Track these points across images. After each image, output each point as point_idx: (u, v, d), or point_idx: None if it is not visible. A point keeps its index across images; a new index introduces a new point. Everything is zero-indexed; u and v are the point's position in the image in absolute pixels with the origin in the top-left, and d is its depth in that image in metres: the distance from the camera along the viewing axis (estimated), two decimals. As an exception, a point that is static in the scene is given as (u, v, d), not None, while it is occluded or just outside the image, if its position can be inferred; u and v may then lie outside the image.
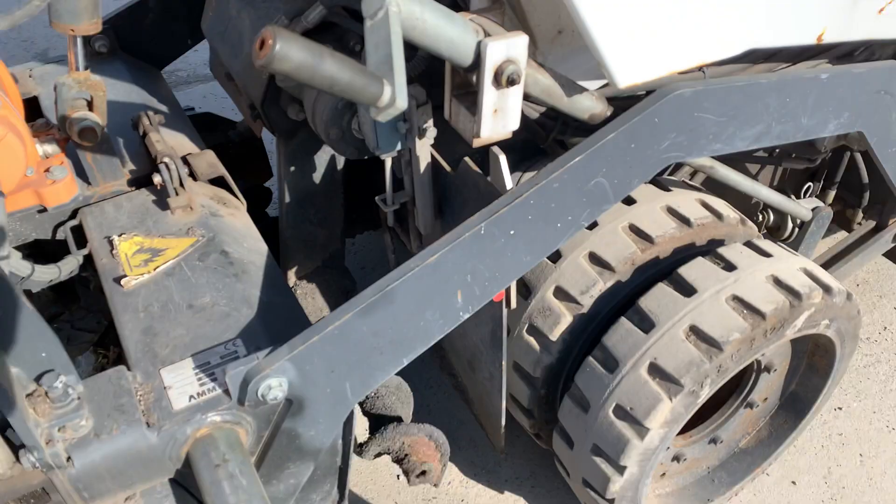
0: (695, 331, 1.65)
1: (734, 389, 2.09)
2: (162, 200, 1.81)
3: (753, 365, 1.99)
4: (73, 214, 1.81)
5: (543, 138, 1.78)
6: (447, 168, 1.69)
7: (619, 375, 1.69)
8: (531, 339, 1.87)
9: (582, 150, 1.43)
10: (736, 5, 1.58)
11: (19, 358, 1.22)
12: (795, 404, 2.14)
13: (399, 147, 1.60)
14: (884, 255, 2.62)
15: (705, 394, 1.67)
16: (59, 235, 1.82)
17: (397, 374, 1.64)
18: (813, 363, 2.05)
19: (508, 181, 1.48)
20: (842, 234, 2.63)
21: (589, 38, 1.44)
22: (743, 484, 2.17)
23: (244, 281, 1.63)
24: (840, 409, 2.47)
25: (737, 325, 1.63)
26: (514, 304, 1.71)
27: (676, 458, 2.06)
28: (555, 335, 1.81)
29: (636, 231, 1.83)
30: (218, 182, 1.91)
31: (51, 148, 1.78)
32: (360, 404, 1.82)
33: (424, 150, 1.62)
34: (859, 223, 2.59)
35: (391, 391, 1.86)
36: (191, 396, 1.39)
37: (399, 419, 1.84)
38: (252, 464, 1.37)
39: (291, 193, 2.13)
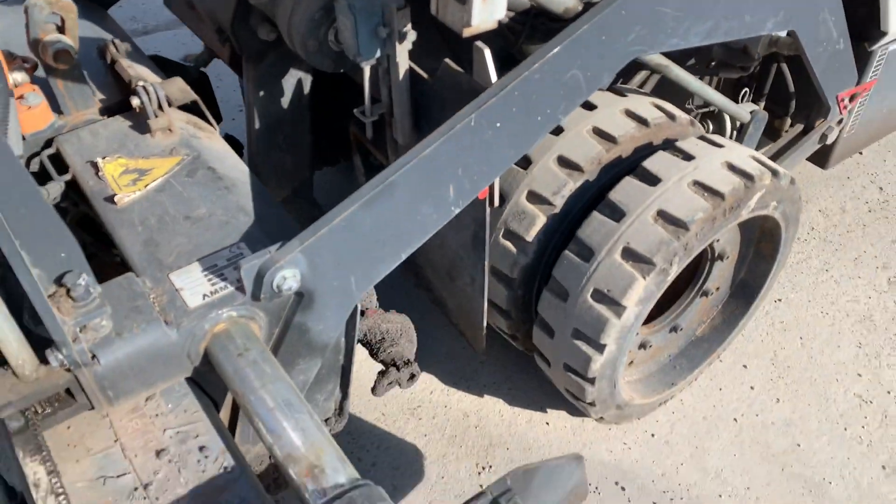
0: (662, 214, 1.79)
1: (690, 280, 2.27)
2: (140, 124, 1.81)
3: (707, 254, 2.17)
4: (49, 143, 1.80)
5: (513, 43, 1.87)
6: (425, 76, 1.76)
7: (594, 263, 1.82)
8: (507, 243, 1.98)
9: (559, 41, 1.53)
10: None
11: (40, 258, 1.25)
12: (745, 291, 2.33)
13: (378, 54, 1.67)
14: (808, 159, 2.85)
15: (674, 272, 1.82)
16: (33, 167, 1.81)
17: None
18: (760, 250, 2.24)
19: (493, 75, 1.57)
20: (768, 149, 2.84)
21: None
22: (701, 369, 2.37)
23: (235, 193, 1.68)
24: (780, 300, 2.70)
25: (700, 205, 1.78)
26: (496, 203, 1.81)
27: (643, 346, 2.23)
28: (530, 236, 1.93)
29: (600, 133, 1.95)
30: (188, 109, 1.93)
31: (20, 76, 1.76)
32: (372, 353, 1.90)
33: (403, 56, 1.68)
34: (786, 131, 2.80)
35: (403, 333, 1.93)
36: (204, 295, 1.44)
37: (409, 362, 1.93)
38: (270, 352, 1.43)
39: (260, 119, 2.16)
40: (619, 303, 1.78)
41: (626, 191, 1.85)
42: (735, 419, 2.34)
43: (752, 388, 2.42)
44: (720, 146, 1.94)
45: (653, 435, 2.29)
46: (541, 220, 1.92)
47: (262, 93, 2.10)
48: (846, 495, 2.15)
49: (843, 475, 2.19)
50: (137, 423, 1.42)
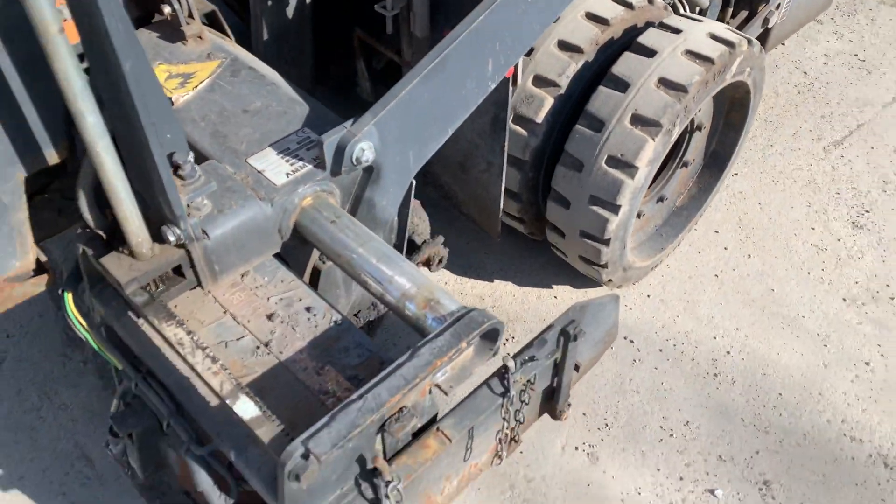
0: (663, 81, 2.00)
1: (671, 155, 2.52)
2: (169, 34, 1.86)
3: (687, 126, 2.41)
4: (82, 57, 1.82)
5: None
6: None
7: (606, 132, 2.02)
8: (518, 128, 2.15)
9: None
10: None
11: (152, 136, 1.32)
12: (717, 160, 2.60)
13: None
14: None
15: (676, 132, 2.04)
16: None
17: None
18: (730, 120, 2.50)
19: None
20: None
21: None
22: (683, 235, 2.63)
23: (282, 87, 1.77)
24: (736, 174, 3.00)
25: (695, 70, 2.00)
26: (520, 80, 1.97)
27: (638, 215, 2.47)
28: (540, 118, 2.11)
29: (593, 17, 2.13)
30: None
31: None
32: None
33: (425, -51, 1.80)
34: (732, 18, 3.06)
35: (421, 218, 2.09)
36: (286, 174, 1.55)
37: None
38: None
39: (267, 30, 2.22)
40: (632, 164, 2.00)
41: (628, 64, 2.04)
42: (716, 275, 2.63)
43: (725, 248, 2.72)
44: (700, 20, 2.17)
45: (648, 296, 2.55)
46: (548, 102, 2.10)
47: (269, 3, 2.17)
48: (817, 325, 2.48)
49: (813, 309, 2.53)
50: (240, 295, 1.53)
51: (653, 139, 1.98)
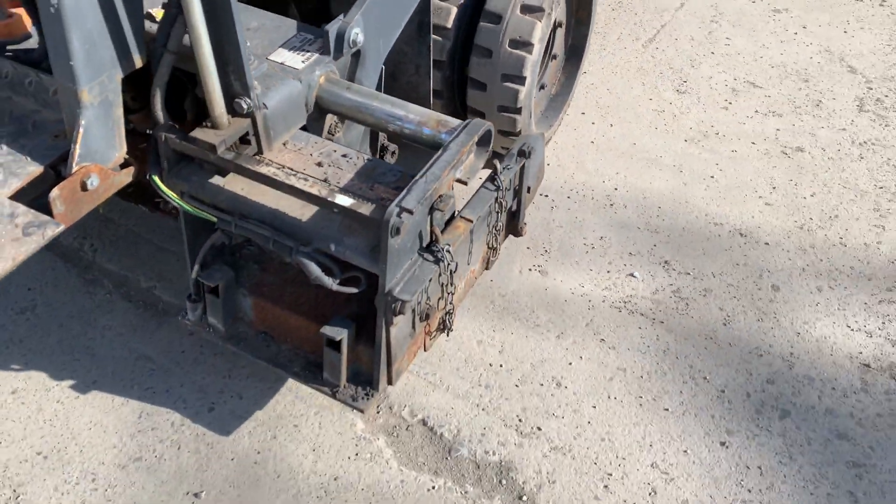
0: (537, -21, 2.67)
1: (545, 50, 3.20)
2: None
3: (553, 23, 3.11)
4: None
5: None
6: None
7: (504, 23, 2.66)
8: (434, 36, 2.73)
9: None
10: None
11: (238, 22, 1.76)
12: (574, 52, 3.33)
13: None
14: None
15: (554, 15, 2.72)
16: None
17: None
18: (579, 17, 3.24)
19: None
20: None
21: None
22: (561, 117, 3.34)
23: (263, 11, 2.24)
24: (586, 72, 3.76)
25: (558, -33, 2.69)
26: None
27: (540, 88, 3.13)
28: (449, 23, 2.71)
29: (472, -58, 2.76)
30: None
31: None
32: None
33: None
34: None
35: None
36: (301, 62, 2.04)
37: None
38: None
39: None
40: (529, 42, 2.65)
41: (508, -28, 2.70)
42: (591, 142, 3.36)
43: (592, 123, 3.46)
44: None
45: (549, 164, 3.23)
46: (454, 10, 2.70)
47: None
48: (671, 160, 3.27)
49: (666, 151, 3.32)
50: (289, 155, 1.99)
51: (539, 21, 2.65)
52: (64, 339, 2.42)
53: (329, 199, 1.77)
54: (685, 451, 2.26)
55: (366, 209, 1.75)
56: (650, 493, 2.17)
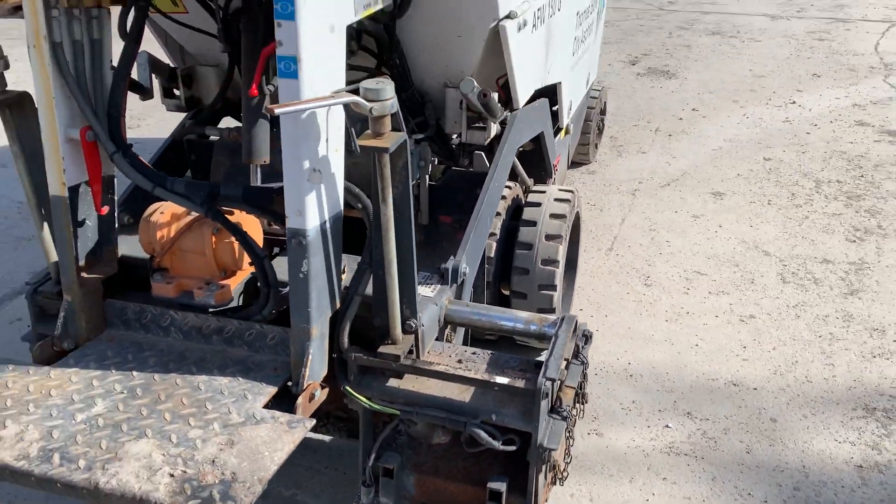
0: (553, 216, 3.63)
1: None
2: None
3: (555, 246, 4.05)
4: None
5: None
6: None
7: (535, 248, 3.56)
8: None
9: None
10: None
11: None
12: (570, 264, 4.27)
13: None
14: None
15: (567, 239, 3.66)
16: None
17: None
18: (573, 238, 4.21)
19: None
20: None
21: None
22: (570, 308, 4.19)
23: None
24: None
25: (565, 209, 3.68)
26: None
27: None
28: (492, 252, 3.59)
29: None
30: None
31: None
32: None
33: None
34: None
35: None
36: (430, 291, 2.81)
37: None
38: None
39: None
40: (556, 260, 3.55)
41: (529, 213, 3.66)
42: (597, 330, 4.20)
43: (591, 315, 4.32)
44: (543, 192, 3.88)
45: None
46: (494, 244, 3.60)
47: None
48: (662, 338, 4.13)
49: (655, 330, 4.19)
50: (436, 357, 2.67)
51: (560, 245, 3.58)
52: None
53: (490, 380, 2.47)
54: (755, 552, 2.88)
55: (520, 383, 2.45)
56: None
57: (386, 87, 2.10)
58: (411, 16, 2.86)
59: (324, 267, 2.39)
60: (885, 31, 11.11)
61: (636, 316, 4.33)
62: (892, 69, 9.12)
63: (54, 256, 2.73)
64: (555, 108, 4.29)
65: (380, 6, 2.59)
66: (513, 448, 2.49)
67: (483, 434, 2.45)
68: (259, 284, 2.59)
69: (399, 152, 2.22)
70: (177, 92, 3.49)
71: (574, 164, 6.10)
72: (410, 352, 2.60)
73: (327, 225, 2.36)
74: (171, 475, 2.02)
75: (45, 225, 2.72)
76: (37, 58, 2.35)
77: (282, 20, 2.07)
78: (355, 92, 2.11)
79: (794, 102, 7.94)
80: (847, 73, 8.97)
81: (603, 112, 6.44)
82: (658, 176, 6.17)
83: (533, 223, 3.61)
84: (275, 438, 2.18)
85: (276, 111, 1.99)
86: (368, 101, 2.09)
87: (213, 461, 2.08)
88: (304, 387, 2.39)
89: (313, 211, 2.28)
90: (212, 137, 3.45)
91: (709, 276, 4.72)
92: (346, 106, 2.22)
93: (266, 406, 2.36)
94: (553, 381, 2.39)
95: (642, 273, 4.76)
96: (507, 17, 2.97)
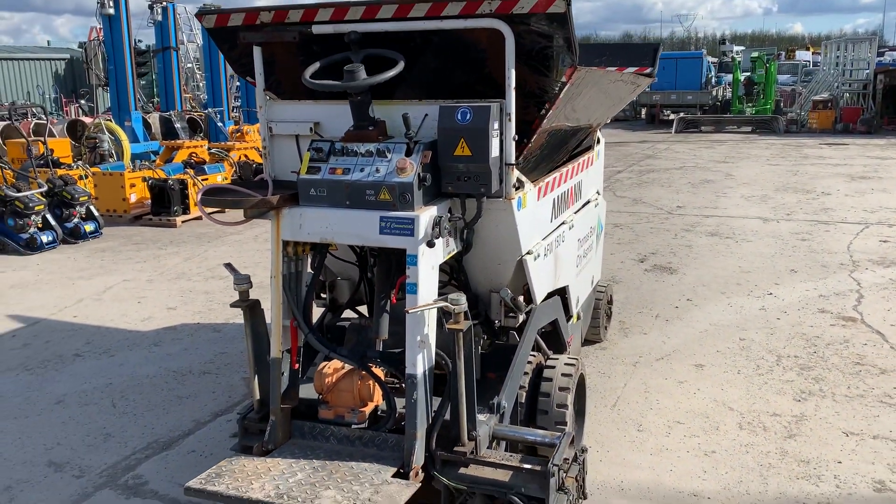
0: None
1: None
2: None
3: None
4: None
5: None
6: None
7: (551, 397, 5.35)
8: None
9: (528, 327, 5.26)
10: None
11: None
12: (580, 413, 5.98)
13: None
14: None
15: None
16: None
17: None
18: (579, 408, 5.97)
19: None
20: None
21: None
22: (580, 448, 5.86)
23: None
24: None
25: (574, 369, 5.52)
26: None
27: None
28: (522, 399, 5.37)
29: (525, 362, 5.61)
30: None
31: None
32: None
33: (480, 347, 5.20)
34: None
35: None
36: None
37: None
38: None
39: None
40: (566, 405, 5.32)
41: (547, 373, 5.49)
42: (620, 483, 5.83)
43: (601, 460, 5.97)
44: (557, 359, 5.74)
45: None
46: (523, 392, 5.40)
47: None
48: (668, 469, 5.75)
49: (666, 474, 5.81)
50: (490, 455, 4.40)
51: (569, 394, 5.37)
52: None
53: (521, 467, 4.19)
54: None
55: (538, 468, 4.17)
56: None
57: (461, 297, 4.08)
58: (471, 254, 4.90)
59: (424, 398, 4.25)
60: (859, 232, 13.16)
61: (629, 451, 5.97)
62: (857, 265, 11.02)
63: (257, 396, 4.65)
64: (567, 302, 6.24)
65: (455, 251, 4.64)
66: (536, 511, 4.17)
67: (517, 500, 4.15)
68: (385, 409, 4.45)
69: (468, 332, 4.16)
70: (323, 295, 5.55)
71: (588, 342, 7.94)
72: (472, 452, 4.36)
73: (426, 374, 4.25)
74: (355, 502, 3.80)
75: (256, 378, 4.67)
76: (275, 284, 4.43)
77: (410, 265, 4.11)
78: (445, 300, 4.10)
79: (770, 294, 9.81)
80: (819, 269, 10.89)
81: (610, 302, 8.36)
82: (654, 351, 7.96)
83: (550, 379, 5.43)
84: (401, 489, 3.95)
85: (409, 311, 3.98)
86: (452, 304, 4.07)
87: (370, 499, 3.85)
88: (412, 467, 4.17)
89: (420, 364, 4.19)
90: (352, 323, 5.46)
91: (685, 425, 6.37)
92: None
93: (393, 476, 4.14)
94: (557, 466, 4.12)
95: (636, 422, 6.44)
96: (528, 253, 4.99)
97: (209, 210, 4.60)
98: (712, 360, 7.69)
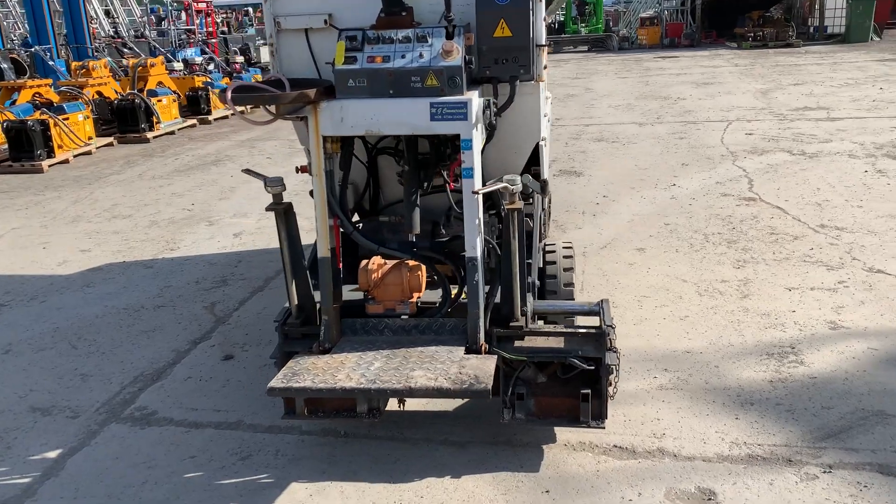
0: (564, 257, 5.77)
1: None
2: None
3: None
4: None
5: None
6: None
7: (557, 271, 5.66)
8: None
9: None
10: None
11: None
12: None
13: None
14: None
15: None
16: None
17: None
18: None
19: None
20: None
21: None
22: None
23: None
24: (562, 310, 6.78)
25: (570, 251, 5.85)
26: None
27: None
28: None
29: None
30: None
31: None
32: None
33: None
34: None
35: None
36: (523, 296, 4.84)
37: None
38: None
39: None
40: (571, 283, 5.65)
41: (549, 257, 5.78)
42: (591, 337, 6.28)
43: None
44: (555, 244, 6.05)
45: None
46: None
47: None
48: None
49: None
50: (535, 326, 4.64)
51: (572, 272, 5.70)
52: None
53: (576, 331, 4.47)
54: None
55: (593, 330, 4.47)
56: None
57: (516, 178, 4.21)
58: (492, 143, 5.01)
59: (483, 280, 4.38)
60: (725, 128, 14.47)
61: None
62: (736, 156, 12.19)
63: (296, 301, 4.58)
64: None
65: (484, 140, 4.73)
66: (592, 367, 4.48)
67: (577, 361, 4.44)
68: (441, 296, 4.54)
69: (521, 211, 4.31)
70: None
71: (538, 239, 8.31)
72: (524, 325, 4.58)
73: (482, 256, 4.38)
74: (448, 377, 3.91)
75: (294, 281, 4.57)
76: (318, 183, 4.32)
77: (464, 150, 4.17)
78: (501, 181, 4.22)
79: (674, 185, 10.67)
80: (706, 161, 11.93)
81: (549, 200, 8.76)
82: (595, 242, 8.50)
83: (553, 262, 5.71)
84: (483, 361, 4.11)
85: (476, 192, 4.06)
86: (511, 184, 4.19)
87: (460, 372, 3.98)
88: (479, 343, 4.33)
89: (479, 246, 4.30)
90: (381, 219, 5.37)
91: (651, 298, 6.96)
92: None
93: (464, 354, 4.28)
94: (612, 327, 4.44)
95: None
96: (542, 139, 5.18)
97: (239, 108, 4.35)
98: (649, 244, 8.35)
